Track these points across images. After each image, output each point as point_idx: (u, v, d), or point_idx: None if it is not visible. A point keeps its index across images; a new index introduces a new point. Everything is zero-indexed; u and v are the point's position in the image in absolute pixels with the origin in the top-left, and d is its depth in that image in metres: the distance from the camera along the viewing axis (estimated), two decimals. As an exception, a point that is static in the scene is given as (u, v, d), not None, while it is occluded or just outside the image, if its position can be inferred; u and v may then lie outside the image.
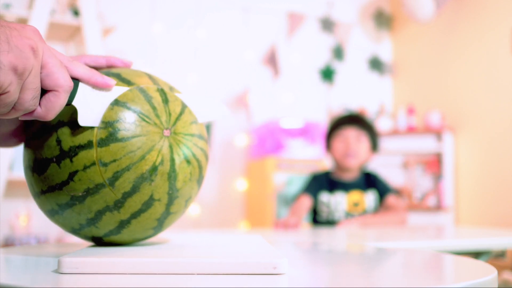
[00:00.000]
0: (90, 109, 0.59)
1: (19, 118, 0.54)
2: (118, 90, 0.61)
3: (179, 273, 0.51)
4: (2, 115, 0.52)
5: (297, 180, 2.83)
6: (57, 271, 0.51)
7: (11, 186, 2.89)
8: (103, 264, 0.51)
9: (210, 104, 0.69)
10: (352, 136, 2.11)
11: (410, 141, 3.91)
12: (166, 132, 0.62)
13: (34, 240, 2.83)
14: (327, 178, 2.16)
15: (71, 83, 0.54)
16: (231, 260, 0.52)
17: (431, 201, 3.83)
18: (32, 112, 0.53)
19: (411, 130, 3.90)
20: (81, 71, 0.57)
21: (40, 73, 0.52)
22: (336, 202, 2.09)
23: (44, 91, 0.53)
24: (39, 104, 0.53)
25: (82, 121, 0.58)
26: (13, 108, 0.51)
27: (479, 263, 0.63)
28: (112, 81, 0.60)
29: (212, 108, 0.70)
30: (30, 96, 0.51)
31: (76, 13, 2.79)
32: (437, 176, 3.85)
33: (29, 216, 2.97)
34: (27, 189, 3.02)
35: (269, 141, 3.51)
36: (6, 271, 0.54)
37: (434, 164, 3.86)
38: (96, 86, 0.59)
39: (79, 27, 2.80)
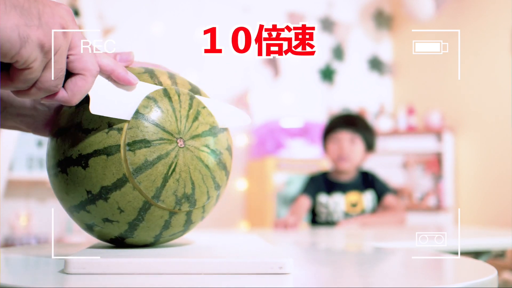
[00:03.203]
0: (105, 100, 0.56)
1: (41, 101, 0.52)
2: (143, 88, 0.59)
3: (185, 273, 0.51)
4: (22, 94, 0.50)
5: (297, 180, 2.83)
6: (64, 271, 0.51)
7: (11, 186, 2.89)
8: (109, 265, 0.51)
9: (231, 111, 0.67)
10: (345, 139, 2.10)
11: (410, 141, 3.91)
12: (180, 142, 0.61)
13: (34, 240, 2.83)
14: (324, 179, 2.16)
15: (98, 68, 0.53)
16: (238, 260, 0.52)
17: (431, 201, 3.83)
18: (55, 94, 0.51)
19: (411, 130, 3.90)
20: (105, 61, 0.55)
21: (69, 55, 0.50)
22: (334, 203, 2.09)
23: (70, 75, 0.52)
24: (64, 87, 0.52)
25: (94, 109, 0.56)
26: (34, 86, 0.49)
27: (479, 263, 0.63)
28: (135, 79, 0.58)
29: (233, 114, 0.68)
30: (53, 75, 0.49)
31: (76, 13, 2.79)
32: (437, 176, 3.85)
33: (29, 216, 2.97)
34: (27, 189, 3.02)
35: (269, 141, 3.51)
36: (9, 272, 0.54)
37: (434, 164, 3.86)
38: (117, 80, 0.57)
39: (79, 27, 2.80)
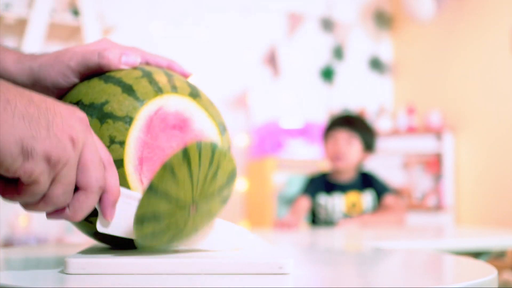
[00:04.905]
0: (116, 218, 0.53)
1: (47, 217, 0.49)
2: (128, 198, 0.54)
3: (185, 273, 0.51)
4: (30, 207, 0.47)
5: (297, 180, 2.84)
6: (64, 271, 0.51)
7: (11, 186, 2.89)
8: (110, 265, 0.51)
9: (235, 231, 0.63)
10: (342, 138, 2.10)
11: (410, 141, 3.91)
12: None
13: (34, 240, 2.83)
14: (324, 180, 2.16)
15: (102, 184, 0.48)
16: (237, 260, 0.52)
17: (431, 201, 3.83)
18: (59, 211, 0.48)
19: (411, 130, 3.90)
20: (113, 181, 0.50)
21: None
22: (333, 203, 2.10)
23: (75, 189, 0.48)
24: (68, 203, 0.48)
25: (100, 227, 0.52)
26: (42, 200, 0.46)
27: (479, 263, 0.63)
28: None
29: (237, 236, 0.63)
30: (61, 190, 0.46)
31: (76, 13, 2.79)
32: (437, 176, 3.85)
33: (29, 216, 2.97)
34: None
35: (269, 141, 3.51)
36: (9, 272, 0.54)
37: (434, 164, 3.86)
38: (114, 203, 0.52)
39: (79, 27, 2.80)
